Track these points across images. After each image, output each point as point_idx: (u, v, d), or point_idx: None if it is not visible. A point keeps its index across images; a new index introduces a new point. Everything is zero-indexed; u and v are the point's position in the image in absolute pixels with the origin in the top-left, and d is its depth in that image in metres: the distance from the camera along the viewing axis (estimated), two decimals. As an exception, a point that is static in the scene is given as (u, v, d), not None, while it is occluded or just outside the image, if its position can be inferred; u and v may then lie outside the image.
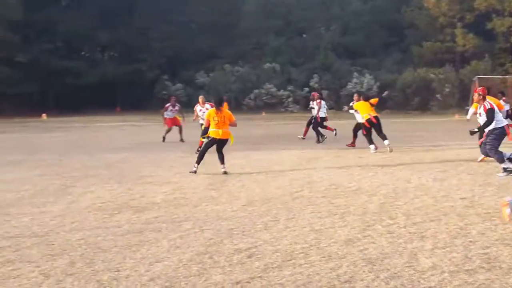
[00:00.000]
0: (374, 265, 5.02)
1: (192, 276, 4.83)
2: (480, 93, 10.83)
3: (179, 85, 54.42)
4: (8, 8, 48.45)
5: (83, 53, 63.54)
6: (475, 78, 40.10)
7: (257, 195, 8.66)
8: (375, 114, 15.11)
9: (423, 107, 46.18)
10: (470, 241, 5.80)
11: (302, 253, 5.45)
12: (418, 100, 46.82)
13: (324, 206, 7.69)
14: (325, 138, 18.08)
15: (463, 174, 10.57)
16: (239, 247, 5.67)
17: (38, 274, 4.94)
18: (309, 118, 19.23)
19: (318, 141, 17.91)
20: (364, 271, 4.86)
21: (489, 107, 10.48)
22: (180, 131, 19.06)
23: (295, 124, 28.24)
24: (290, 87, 51.58)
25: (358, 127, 15.97)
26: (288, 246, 5.69)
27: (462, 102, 43.38)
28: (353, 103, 16.04)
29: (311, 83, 52.08)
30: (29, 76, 50.04)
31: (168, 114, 19.43)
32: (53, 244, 5.89)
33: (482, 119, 10.69)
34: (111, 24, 55.87)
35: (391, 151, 14.56)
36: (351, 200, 8.06)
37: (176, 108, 19.55)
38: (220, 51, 59.56)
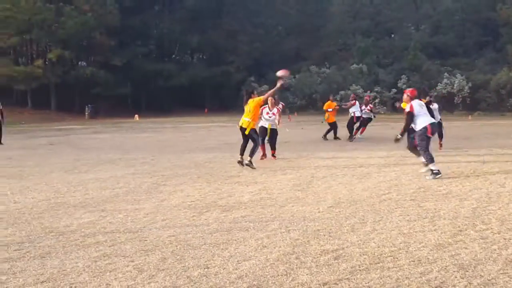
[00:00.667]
0: (467, 271, 4.85)
1: (279, 275, 4.86)
2: (409, 94, 10.83)
3: (265, 87, 54.87)
4: (107, 14, 50.94)
5: (173, 56, 65.61)
6: None
7: (343, 196, 8.58)
8: None
9: (519, 109, 44.16)
10: None
11: (390, 256, 5.35)
12: (514, 101, 44.81)
13: (412, 209, 7.51)
14: (354, 138, 19.80)
15: None
16: (325, 248, 5.65)
17: (132, 268, 5.14)
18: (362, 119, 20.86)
19: (350, 139, 19.66)
20: (456, 277, 4.71)
21: (408, 110, 10.48)
22: None
23: (382, 126, 27.76)
24: (377, 88, 50.70)
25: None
26: (376, 249, 5.60)
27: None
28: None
29: (399, 84, 51.00)
30: (123, 79, 52.27)
31: None
32: (146, 240, 6.12)
33: None
34: (200, 28, 57.29)
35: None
36: (441, 204, 7.81)
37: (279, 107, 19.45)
38: (306, 53, 59.67)
